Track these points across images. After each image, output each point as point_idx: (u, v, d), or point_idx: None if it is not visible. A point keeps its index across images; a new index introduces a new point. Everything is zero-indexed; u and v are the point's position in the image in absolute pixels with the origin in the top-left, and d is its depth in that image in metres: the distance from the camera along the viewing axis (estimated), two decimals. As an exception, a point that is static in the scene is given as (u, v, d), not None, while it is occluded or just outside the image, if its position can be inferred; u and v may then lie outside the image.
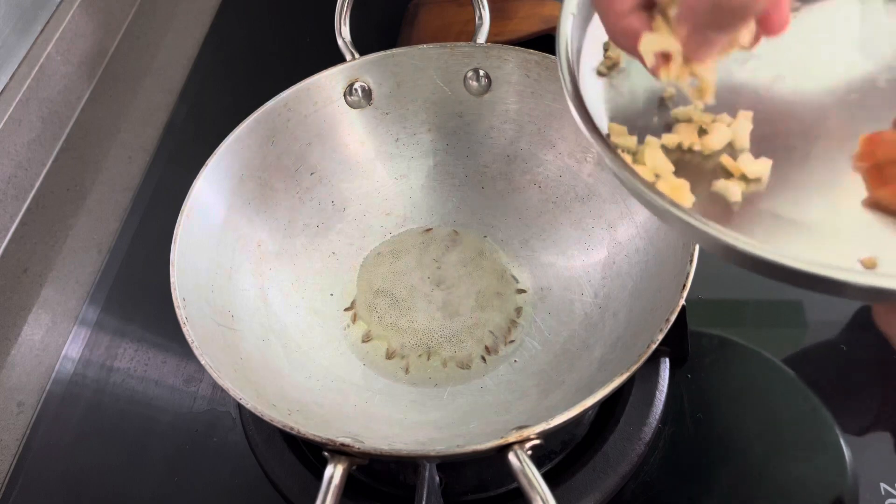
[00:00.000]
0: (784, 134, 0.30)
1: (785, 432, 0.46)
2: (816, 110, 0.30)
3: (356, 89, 0.54)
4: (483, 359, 0.49)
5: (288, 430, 0.36)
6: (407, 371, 0.49)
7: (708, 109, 0.31)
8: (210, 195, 0.48)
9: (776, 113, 0.31)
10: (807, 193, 0.28)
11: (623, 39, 0.29)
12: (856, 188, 0.28)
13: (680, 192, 0.29)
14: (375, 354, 0.50)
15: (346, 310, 0.52)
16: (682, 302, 0.38)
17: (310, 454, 0.47)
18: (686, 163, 0.31)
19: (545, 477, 0.33)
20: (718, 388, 0.48)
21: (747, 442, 0.46)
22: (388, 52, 0.53)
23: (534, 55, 0.51)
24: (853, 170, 0.28)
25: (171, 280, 0.42)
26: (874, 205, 0.27)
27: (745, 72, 0.32)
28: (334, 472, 0.34)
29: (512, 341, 0.49)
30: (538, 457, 0.45)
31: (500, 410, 0.45)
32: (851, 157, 0.28)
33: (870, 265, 0.25)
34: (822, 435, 0.46)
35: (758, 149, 0.30)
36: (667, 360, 0.48)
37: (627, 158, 0.29)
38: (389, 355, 0.50)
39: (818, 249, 0.26)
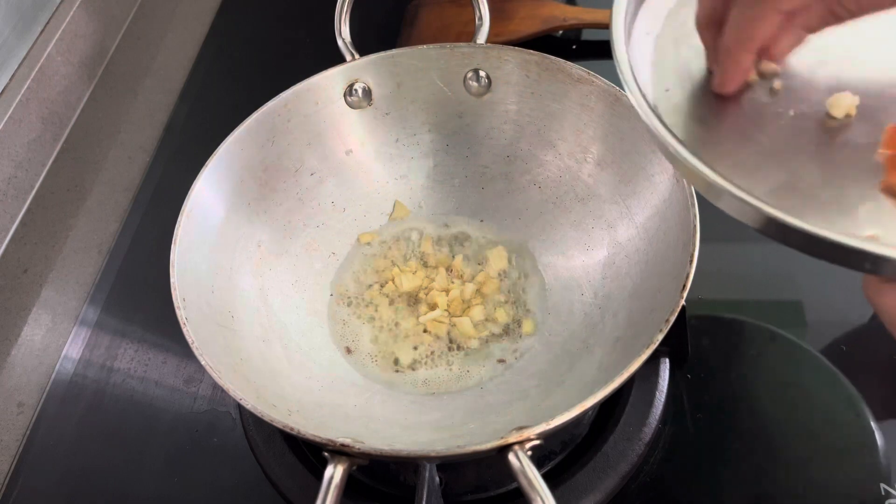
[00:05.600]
0: (819, 115, 0.32)
1: (785, 432, 0.46)
2: (854, 97, 0.32)
3: (356, 90, 0.54)
4: (482, 361, 0.49)
5: (288, 430, 0.36)
6: (401, 376, 0.49)
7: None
8: (210, 195, 0.48)
9: (813, 94, 0.33)
10: (827, 170, 0.30)
11: None
12: (876, 173, 0.29)
13: None
14: (372, 360, 0.50)
15: (341, 303, 0.52)
16: (682, 302, 0.38)
17: (310, 454, 0.47)
18: None
19: (545, 477, 0.33)
20: (718, 388, 0.48)
21: (747, 442, 0.46)
22: (389, 52, 0.53)
23: (534, 55, 0.51)
24: (877, 156, 0.30)
25: (172, 280, 0.42)
26: (889, 189, 0.29)
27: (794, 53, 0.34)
28: (334, 473, 0.34)
29: (519, 337, 0.49)
30: (538, 457, 0.45)
31: (501, 411, 0.45)
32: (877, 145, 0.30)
33: None
34: (823, 435, 0.46)
35: (792, 124, 0.32)
36: (667, 360, 0.48)
37: None
38: (389, 364, 0.50)
39: (826, 222, 0.27)
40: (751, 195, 0.28)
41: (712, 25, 0.32)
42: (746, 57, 0.32)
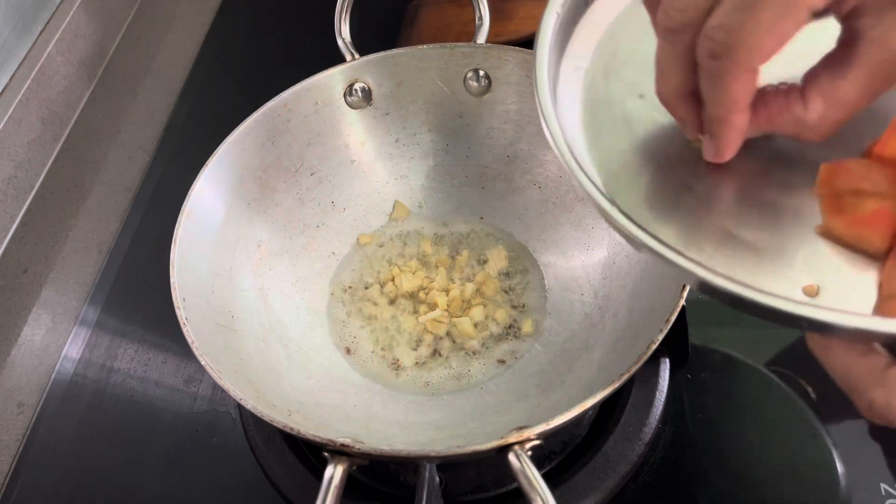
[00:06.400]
0: (750, 154, 0.30)
1: (784, 432, 0.46)
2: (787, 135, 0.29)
3: (356, 89, 0.54)
4: (482, 361, 0.49)
5: (288, 430, 0.36)
6: (401, 376, 0.49)
7: None
8: (210, 195, 0.48)
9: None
10: (763, 215, 0.28)
11: None
12: (812, 215, 0.28)
13: None
14: (372, 360, 0.50)
15: (341, 303, 0.52)
16: (682, 302, 0.38)
17: (310, 454, 0.47)
18: None
19: (545, 477, 0.33)
20: (718, 388, 0.48)
21: (747, 442, 0.46)
22: (389, 52, 0.53)
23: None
24: (812, 197, 0.28)
25: (172, 280, 0.42)
26: (826, 233, 0.27)
27: None
28: (334, 473, 0.34)
29: (519, 337, 0.49)
30: (538, 457, 0.45)
31: (501, 411, 0.45)
32: (813, 184, 0.28)
33: (811, 293, 0.25)
34: (821, 435, 0.46)
35: (728, 167, 0.30)
36: (667, 360, 0.48)
37: None
38: (389, 364, 0.50)
39: (763, 272, 0.26)
40: (669, 248, 0.26)
41: (684, 98, 0.29)
42: (741, 118, 0.28)
